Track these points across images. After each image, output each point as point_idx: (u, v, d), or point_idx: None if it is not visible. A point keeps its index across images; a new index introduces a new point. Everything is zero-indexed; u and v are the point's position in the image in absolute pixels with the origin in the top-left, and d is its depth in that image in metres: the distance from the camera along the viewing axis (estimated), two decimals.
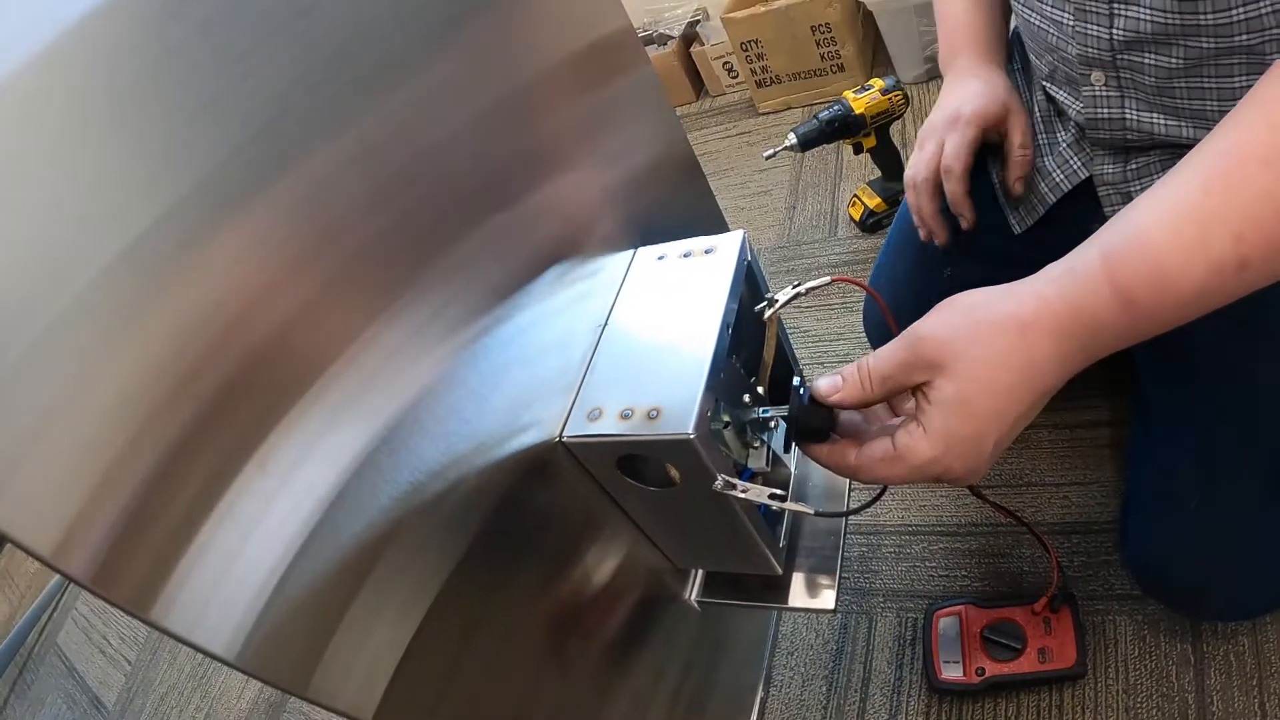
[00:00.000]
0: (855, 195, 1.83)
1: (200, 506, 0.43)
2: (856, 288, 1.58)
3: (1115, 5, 0.76)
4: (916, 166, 1.04)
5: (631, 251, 0.81)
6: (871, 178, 1.83)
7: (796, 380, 0.72)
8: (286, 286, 0.48)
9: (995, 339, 0.59)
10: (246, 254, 0.46)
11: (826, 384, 0.66)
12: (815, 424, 0.67)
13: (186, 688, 1.63)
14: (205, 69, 0.45)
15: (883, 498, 0.71)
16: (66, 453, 0.38)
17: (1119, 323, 0.56)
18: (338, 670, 0.50)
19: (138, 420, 0.40)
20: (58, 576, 1.89)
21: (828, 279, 0.71)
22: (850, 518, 1.15)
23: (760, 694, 1.14)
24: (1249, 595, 0.93)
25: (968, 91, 1.01)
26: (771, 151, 1.66)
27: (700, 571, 0.93)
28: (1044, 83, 0.97)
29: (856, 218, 1.82)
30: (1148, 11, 0.73)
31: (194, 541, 0.42)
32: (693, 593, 0.91)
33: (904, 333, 0.63)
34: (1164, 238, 0.55)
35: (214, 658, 0.43)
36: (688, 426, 0.60)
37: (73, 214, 0.39)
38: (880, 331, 1.33)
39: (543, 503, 0.69)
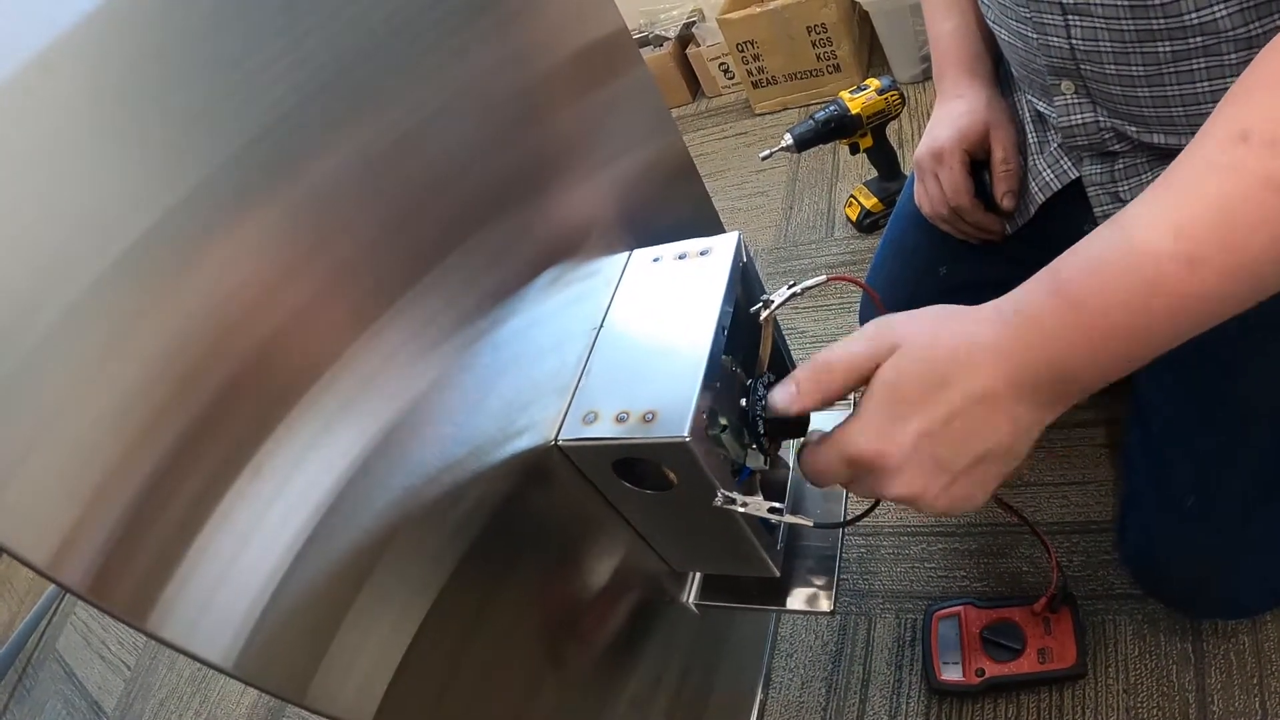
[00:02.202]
0: (852, 195, 1.82)
1: (196, 514, 0.42)
2: (853, 288, 1.58)
3: (1070, 17, 0.76)
4: (933, 205, 1.08)
5: (627, 253, 0.81)
6: (868, 178, 1.83)
7: (749, 380, 0.72)
8: (281, 292, 0.48)
9: (945, 317, 0.58)
10: (241, 260, 0.46)
11: (782, 395, 0.64)
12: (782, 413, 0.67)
13: (186, 692, 1.62)
14: (201, 74, 0.45)
15: (880, 505, 0.71)
16: (62, 462, 0.37)
17: (1060, 315, 0.54)
18: (335, 677, 0.50)
19: (133, 429, 0.40)
20: None
21: (823, 278, 0.71)
22: None
23: (759, 696, 1.14)
24: (1247, 593, 0.93)
25: (949, 115, 1.04)
26: (768, 152, 1.66)
27: (698, 574, 0.93)
28: (1026, 91, 0.98)
29: (853, 218, 1.81)
30: (1102, 20, 0.74)
31: (189, 550, 0.42)
32: (690, 595, 0.91)
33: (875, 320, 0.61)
34: (1099, 233, 0.54)
35: (211, 666, 0.43)
36: (684, 429, 0.60)
37: (66, 222, 0.38)
38: None
39: (539, 506, 0.69)
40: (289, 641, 0.47)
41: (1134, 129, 0.82)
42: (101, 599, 0.38)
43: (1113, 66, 0.77)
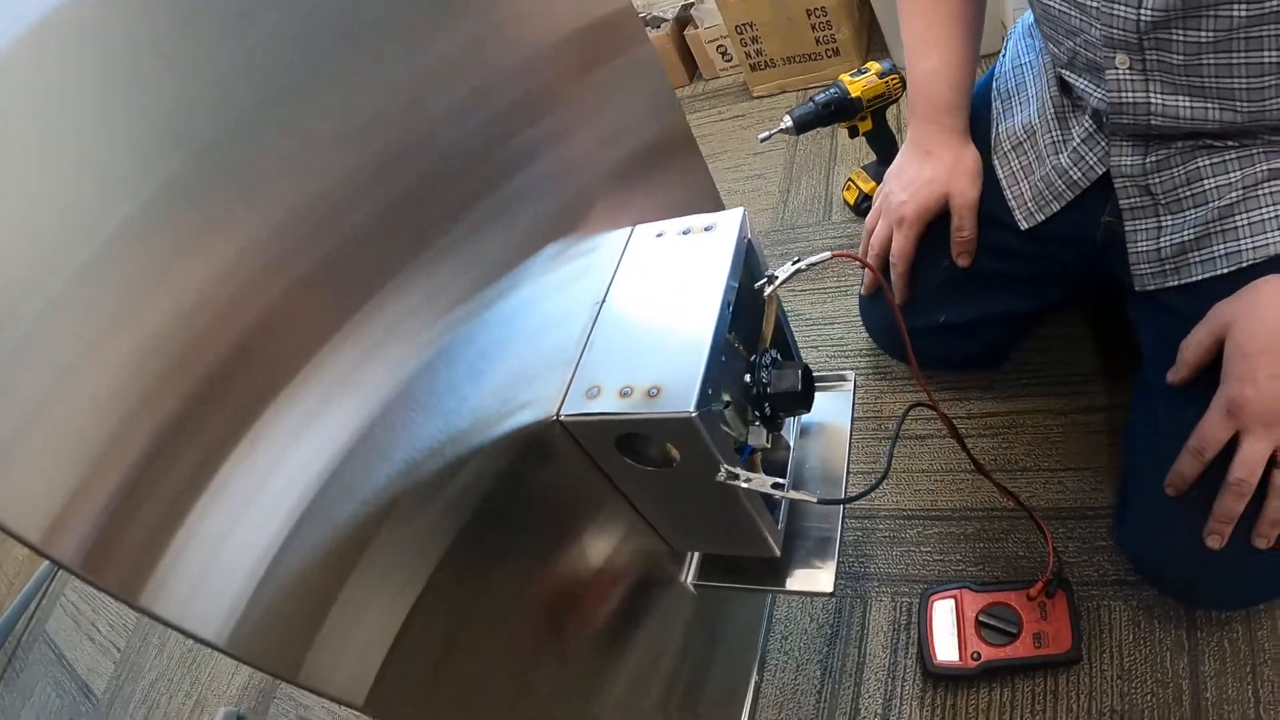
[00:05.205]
0: (850, 179, 1.81)
1: (192, 489, 0.42)
2: (851, 273, 1.58)
3: None
4: (879, 245, 1.18)
5: (630, 228, 0.80)
6: (866, 161, 1.82)
7: (755, 357, 0.72)
8: (283, 265, 0.47)
9: (1263, 286, 0.79)
10: (241, 233, 0.45)
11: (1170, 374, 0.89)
12: (788, 387, 0.71)
13: (176, 674, 1.61)
14: (193, 50, 0.44)
15: (882, 484, 0.71)
16: (57, 438, 0.37)
17: None
18: (329, 655, 0.49)
19: (129, 403, 0.40)
20: (46, 564, 1.87)
21: (828, 255, 0.71)
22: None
23: (755, 678, 1.13)
24: (1248, 586, 0.93)
25: (912, 180, 1.12)
26: (766, 134, 1.64)
27: (696, 554, 0.92)
28: (1062, 70, 0.97)
29: (851, 202, 1.80)
30: None
31: (184, 525, 0.42)
32: (689, 576, 0.90)
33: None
34: None
35: (205, 643, 0.43)
36: (689, 405, 0.59)
37: (62, 198, 0.38)
38: (876, 314, 1.33)
39: (539, 483, 0.68)
40: (284, 618, 0.47)
41: (1187, 102, 0.81)
42: (95, 575, 0.38)
43: (1180, 34, 0.76)
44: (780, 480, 0.64)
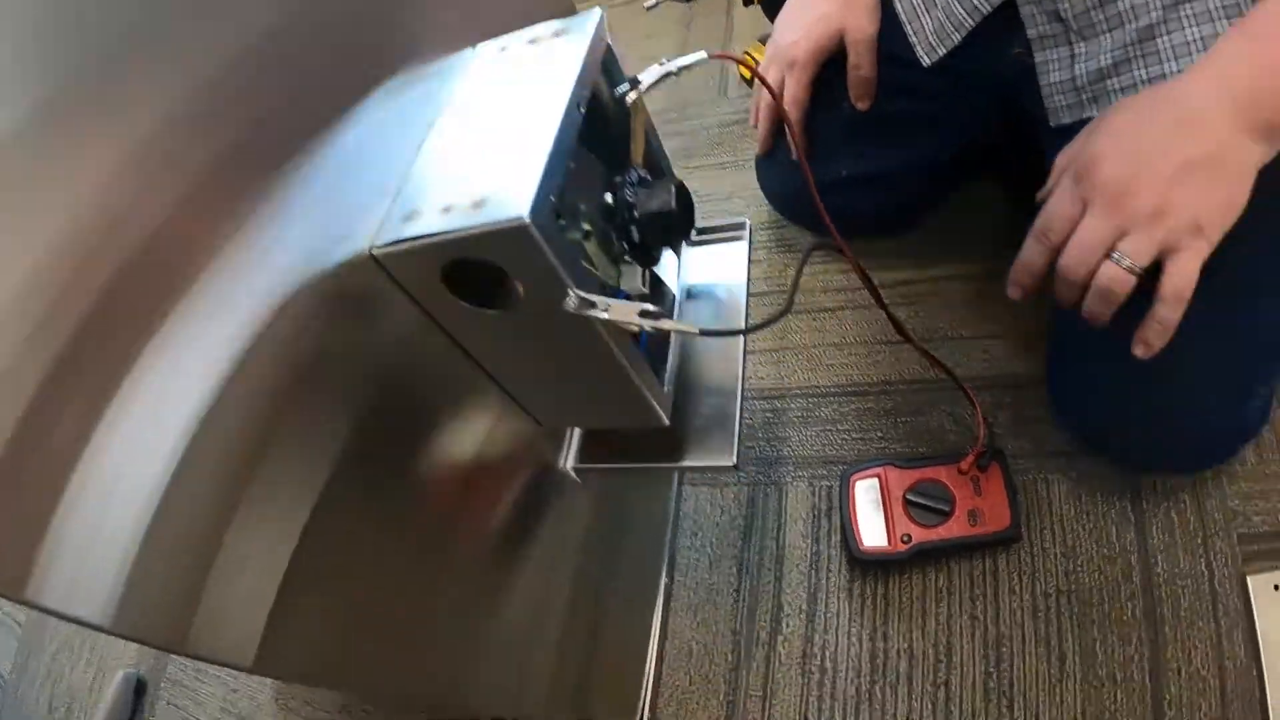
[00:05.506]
0: (746, 52, 1.70)
1: (58, 473, 0.40)
2: (748, 142, 1.47)
3: None
4: (767, 98, 1.15)
5: (471, 49, 0.66)
6: (763, 34, 1.71)
7: (619, 176, 0.60)
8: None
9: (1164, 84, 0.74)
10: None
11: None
12: (659, 207, 0.61)
13: (76, 643, 1.54)
14: None
15: (783, 318, 0.59)
16: None
17: (1239, 45, 0.68)
18: (213, 619, 0.47)
19: None
20: None
21: (703, 54, 0.60)
22: (748, 357, 1.04)
23: (664, 580, 1.07)
24: (1187, 442, 0.89)
25: (806, 18, 1.07)
26: (654, 2, 1.53)
27: (575, 434, 0.80)
28: None
29: (747, 77, 1.71)
30: None
31: (56, 512, 0.39)
32: (568, 459, 0.78)
33: None
34: None
35: (92, 627, 0.42)
36: (523, 210, 0.46)
37: None
38: (774, 176, 1.26)
39: (375, 361, 0.58)
40: (163, 589, 0.45)
41: None
42: None
43: None
44: (649, 307, 0.51)
